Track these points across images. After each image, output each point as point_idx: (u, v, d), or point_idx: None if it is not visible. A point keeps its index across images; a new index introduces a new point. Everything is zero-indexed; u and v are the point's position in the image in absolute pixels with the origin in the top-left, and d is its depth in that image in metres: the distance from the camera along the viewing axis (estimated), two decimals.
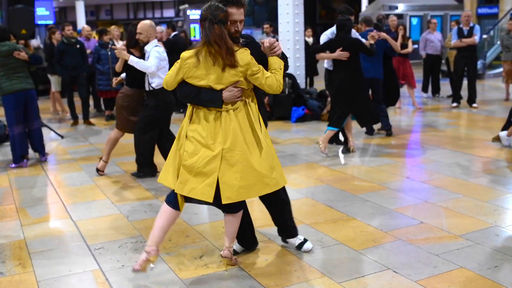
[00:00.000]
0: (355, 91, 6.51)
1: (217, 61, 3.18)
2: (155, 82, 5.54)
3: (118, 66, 5.75)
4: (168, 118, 5.86)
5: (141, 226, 4.46)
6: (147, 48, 5.52)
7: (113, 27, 9.77)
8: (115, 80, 6.01)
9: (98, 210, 4.95)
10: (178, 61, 3.31)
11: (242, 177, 3.25)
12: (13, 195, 5.49)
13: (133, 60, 5.41)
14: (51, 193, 5.58)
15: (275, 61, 3.34)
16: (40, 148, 6.92)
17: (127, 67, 5.68)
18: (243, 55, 3.22)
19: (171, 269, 3.63)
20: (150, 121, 5.68)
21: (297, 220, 4.40)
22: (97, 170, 6.12)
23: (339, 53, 6.33)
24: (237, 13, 3.24)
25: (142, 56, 5.64)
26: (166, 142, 5.81)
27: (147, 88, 5.63)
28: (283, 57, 3.43)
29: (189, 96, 3.30)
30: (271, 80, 3.28)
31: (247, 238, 3.84)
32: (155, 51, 5.46)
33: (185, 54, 3.27)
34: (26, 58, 6.43)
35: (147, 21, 5.59)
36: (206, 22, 3.17)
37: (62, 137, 8.44)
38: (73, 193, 5.52)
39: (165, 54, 5.60)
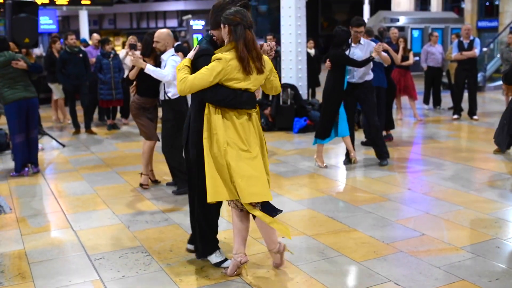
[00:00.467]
0: (328, 102, 6.60)
1: (249, 65, 3.31)
2: (171, 92, 5.45)
3: (132, 74, 5.66)
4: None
5: (142, 236, 4.45)
6: (163, 57, 5.42)
7: (130, 37, 9.73)
8: (132, 88, 5.88)
9: (99, 220, 4.94)
10: (214, 63, 3.28)
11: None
12: (13, 204, 5.48)
13: (150, 69, 5.30)
14: (51, 202, 5.57)
15: (272, 65, 3.55)
16: (34, 158, 6.80)
17: (140, 76, 5.61)
18: (267, 60, 3.45)
19: (172, 280, 3.62)
20: (172, 134, 5.55)
21: (298, 231, 4.41)
22: (141, 184, 5.93)
23: (326, 64, 6.56)
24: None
25: (157, 65, 5.54)
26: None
27: (162, 98, 5.55)
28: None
29: (226, 99, 3.34)
30: (277, 82, 3.55)
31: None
32: (172, 60, 5.35)
33: (226, 55, 3.29)
34: (24, 67, 6.44)
35: (164, 30, 5.49)
36: (238, 27, 3.27)
37: (63, 145, 8.44)
38: (74, 202, 5.51)
39: None
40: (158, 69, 5.35)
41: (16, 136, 6.55)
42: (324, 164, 6.70)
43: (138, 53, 5.67)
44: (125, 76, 10.46)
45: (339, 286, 3.47)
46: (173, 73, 5.25)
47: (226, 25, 3.31)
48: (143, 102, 5.78)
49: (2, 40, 6.59)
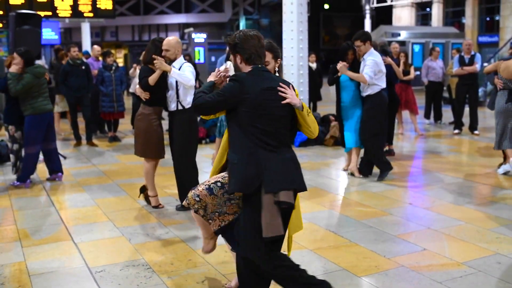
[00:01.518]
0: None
1: None
2: (187, 100, 5.24)
3: (153, 79, 5.21)
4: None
5: (143, 249, 4.45)
6: (175, 64, 5.25)
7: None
8: (146, 94, 5.37)
9: (100, 232, 4.93)
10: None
11: None
12: (14, 215, 5.48)
13: (175, 72, 5.11)
14: (52, 214, 5.56)
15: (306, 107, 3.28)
16: (59, 167, 7.03)
17: (151, 86, 5.27)
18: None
19: None
20: (189, 148, 5.39)
21: (299, 245, 4.39)
22: (155, 207, 5.63)
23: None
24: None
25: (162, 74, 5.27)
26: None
27: (173, 108, 5.30)
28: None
29: None
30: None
31: None
32: (189, 67, 5.25)
33: None
34: (48, 78, 6.71)
35: (173, 37, 5.35)
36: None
37: (64, 157, 8.45)
38: (75, 214, 5.51)
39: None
40: (182, 72, 5.16)
41: (32, 147, 6.60)
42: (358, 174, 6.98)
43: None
44: (131, 90, 10.50)
45: None
46: (194, 78, 5.25)
47: None
48: (153, 113, 5.44)
49: (32, 52, 6.77)
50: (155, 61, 5.10)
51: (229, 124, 3.16)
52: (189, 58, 12.63)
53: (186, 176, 5.43)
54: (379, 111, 6.66)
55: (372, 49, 6.68)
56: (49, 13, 17.09)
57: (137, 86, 5.52)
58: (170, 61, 5.26)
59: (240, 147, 3.06)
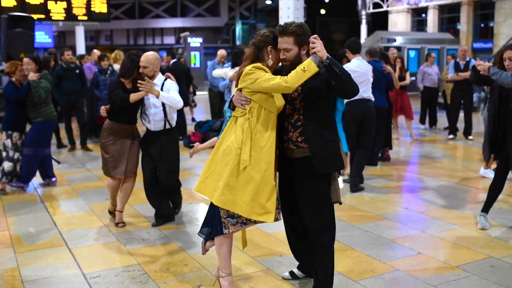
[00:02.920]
0: None
1: None
2: (174, 119, 5.07)
3: (134, 99, 4.86)
4: None
5: (139, 254, 4.43)
6: (156, 82, 4.89)
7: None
8: (105, 109, 5.11)
9: (95, 237, 4.91)
10: (263, 72, 3.24)
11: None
12: (6, 221, 5.44)
13: (164, 96, 4.71)
14: (46, 220, 5.53)
15: (303, 62, 3.18)
16: (52, 172, 7.01)
17: (128, 104, 4.94)
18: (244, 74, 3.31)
19: None
20: (178, 163, 5.24)
21: None
22: (117, 224, 5.26)
23: None
24: (280, 41, 3.30)
25: (134, 89, 4.95)
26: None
27: (160, 128, 5.01)
28: (326, 61, 3.14)
29: None
30: (273, 80, 3.16)
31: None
32: (174, 85, 4.96)
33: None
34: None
35: (151, 53, 4.94)
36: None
37: (58, 162, 8.42)
38: (69, 220, 5.48)
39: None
40: (171, 96, 4.80)
41: (34, 150, 6.58)
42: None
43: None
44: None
45: None
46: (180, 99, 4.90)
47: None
48: (120, 129, 5.14)
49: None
50: (142, 84, 4.59)
51: (324, 105, 3.33)
52: (185, 62, 12.66)
53: (175, 191, 5.42)
54: (348, 124, 6.50)
55: (356, 57, 6.43)
56: (42, 16, 17.00)
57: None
58: (148, 78, 4.79)
59: (333, 126, 3.41)
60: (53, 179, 7.02)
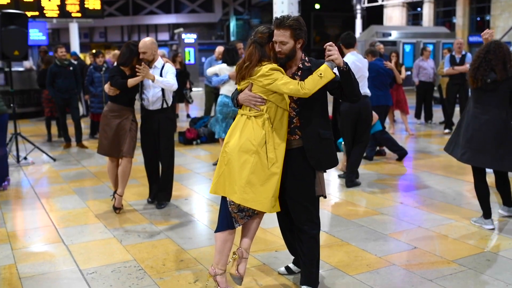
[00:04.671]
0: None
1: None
2: (170, 99, 5.53)
3: (132, 84, 5.30)
4: None
5: (135, 250, 4.43)
6: (156, 64, 5.39)
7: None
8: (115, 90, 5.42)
9: (91, 234, 4.91)
10: (280, 73, 3.24)
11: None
12: (3, 218, 5.44)
13: (159, 80, 5.24)
14: (42, 216, 5.53)
15: (319, 68, 3.21)
16: (7, 173, 6.77)
17: (127, 87, 5.37)
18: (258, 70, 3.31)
19: None
20: (173, 140, 5.68)
21: None
22: (115, 208, 5.57)
23: None
24: (276, 34, 3.30)
25: (132, 75, 5.35)
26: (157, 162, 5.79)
27: (158, 107, 5.44)
28: (344, 67, 3.20)
29: None
30: (291, 84, 3.18)
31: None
32: (172, 68, 5.45)
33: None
34: None
35: (148, 39, 5.40)
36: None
37: (54, 159, 8.41)
38: (65, 216, 5.48)
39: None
40: (165, 79, 5.31)
41: (3, 149, 6.54)
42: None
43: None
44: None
45: None
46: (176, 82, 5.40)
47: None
48: (118, 110, 5.52)
49: None
50: (139, 69, 5.12)
51: (319, 105, 3.35)
52: (180, 60, 12.62)
53: (169, 171, 5.68)
54: (344, 120, 6.45)
55: (351, 52, 6.35)
56: (36, 13, 16.92)
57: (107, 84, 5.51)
58: (148, 63, 5.33)
59: (328, 124, 3.44)
60: (5, 183, 6.67)
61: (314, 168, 3.38)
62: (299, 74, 3.34)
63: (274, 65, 3.28)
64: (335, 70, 3.21)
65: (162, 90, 5.42)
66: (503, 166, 4.64)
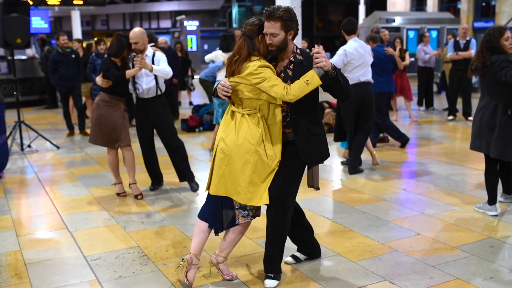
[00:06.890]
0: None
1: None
2: (164, 85, 5.63)
3: (130, 74, 5.34)
4: None
5: (138, 237, 4.46)
6: (147, 53, 5.46)
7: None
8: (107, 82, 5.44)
9: (95, 220, 4.94)
10: (270, 71, 3.23)
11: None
12: (8, 205, 5.47)
13: (156, 69, 5.32)
14: (47, 203, 5.56)
15: (307, 74, 3.20)
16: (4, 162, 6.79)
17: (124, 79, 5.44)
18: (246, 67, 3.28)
19: (168, 280, 3.63)
20: (173, 124, 5.81)
21: None
22: (117, 194, 5.75)
23: None
24: (266, 26, 3.27)
25: (124, 65, 5.42)
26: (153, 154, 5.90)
27: (153, 95, 5.52)
28: (332, 72, 3.19)
29: None
30: (277, 88, 3.17)
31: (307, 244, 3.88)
32: (163, 56, 5.53)
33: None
34: None
35: (138, 29, 5.45)
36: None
37: (57, 147, 8.43)
38: (69, 203, 5.50)
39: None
40: (161, 67, 5.39)
41: (3, 136, 6.58)
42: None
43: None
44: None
45: (335, 285, 3.48)
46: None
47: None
48: (111, 100, 5.51)
49: None
50: (137, 60, 5.20)
51: (310, 101, 3.34)
52: (181, 46, 12.56)
53: (183, 149, 5.81)
54: (347, 108, 6.35)
55: (353, 38, 6.25)
56: (38, 1, 16.86)
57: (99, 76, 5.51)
58: (140, 52, 5.38)
59: (318, 119, 3.47)
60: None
61: (305, 164, 3.44)
62: (291, 67, 3.33)
63: (263, 62, 3.26)
64: (331, 72, 3.20)
65: (155, 77, 5.48)
66: (493, 152, 4.65)
